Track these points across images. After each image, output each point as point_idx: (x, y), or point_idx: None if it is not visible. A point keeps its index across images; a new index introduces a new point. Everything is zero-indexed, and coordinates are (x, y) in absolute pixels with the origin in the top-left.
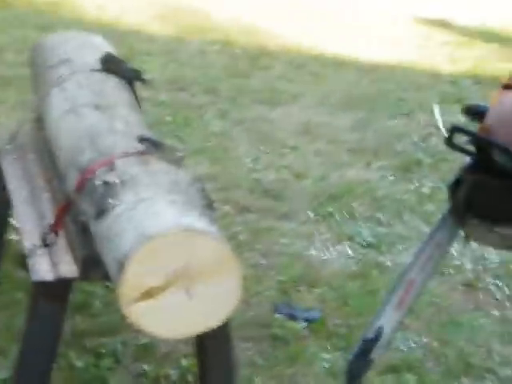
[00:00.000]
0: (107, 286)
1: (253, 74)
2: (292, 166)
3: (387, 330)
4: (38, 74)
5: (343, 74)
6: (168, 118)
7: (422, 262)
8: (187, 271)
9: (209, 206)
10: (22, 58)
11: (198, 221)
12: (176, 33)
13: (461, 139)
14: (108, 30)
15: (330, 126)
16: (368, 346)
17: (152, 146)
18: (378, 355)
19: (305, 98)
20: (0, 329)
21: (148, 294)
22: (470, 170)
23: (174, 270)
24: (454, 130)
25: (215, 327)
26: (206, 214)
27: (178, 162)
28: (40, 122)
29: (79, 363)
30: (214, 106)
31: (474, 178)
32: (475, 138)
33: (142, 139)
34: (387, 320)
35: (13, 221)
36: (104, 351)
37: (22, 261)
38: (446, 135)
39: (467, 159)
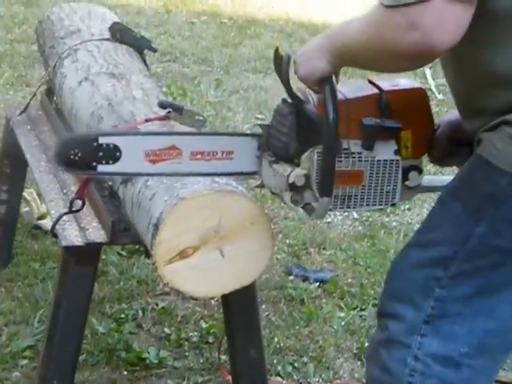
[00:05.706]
0: (120, 254)
1: (243, 43)
2: None
3: None
4: (47, 46)
5: None
6: (163, 90)
7: None
8: (220, 231)
9: None
10: (11, 34)
11: (227, 181)
12: (163, 5)
13: None
14: (96, 3)
15: None
16: None
17: (173, 110)
18: None
19: None
20: (20, 298)
21: (182, 255)
22: None
23: (207, 229)
24: None
25: (247, 285)
26: None
27: (199, 126)
28: (50, 93)
29: (102, 329)
30: (208, 76)
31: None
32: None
33: (162, 104)
34: None
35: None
36: (124, 316)
37: (33, 231)
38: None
39: None
